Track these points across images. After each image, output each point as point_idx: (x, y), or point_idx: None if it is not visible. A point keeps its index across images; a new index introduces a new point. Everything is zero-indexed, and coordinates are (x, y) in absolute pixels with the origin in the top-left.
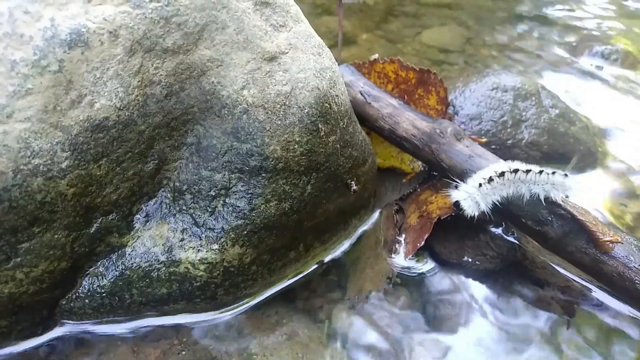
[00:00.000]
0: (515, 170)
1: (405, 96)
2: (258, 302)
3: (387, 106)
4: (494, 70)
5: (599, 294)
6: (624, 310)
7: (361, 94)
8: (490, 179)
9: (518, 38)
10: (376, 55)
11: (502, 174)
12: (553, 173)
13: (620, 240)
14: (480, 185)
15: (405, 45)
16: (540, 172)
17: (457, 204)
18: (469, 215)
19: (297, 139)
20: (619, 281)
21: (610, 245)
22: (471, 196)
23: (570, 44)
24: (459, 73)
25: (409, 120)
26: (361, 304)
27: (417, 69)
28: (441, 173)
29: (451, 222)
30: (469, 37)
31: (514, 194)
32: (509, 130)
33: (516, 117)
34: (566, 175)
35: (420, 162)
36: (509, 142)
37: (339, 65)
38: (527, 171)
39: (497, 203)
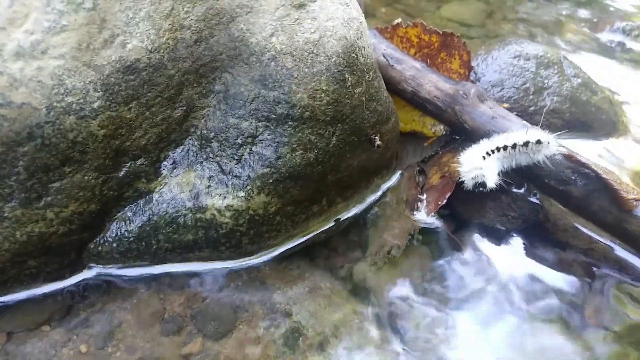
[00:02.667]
0: (505, 147)
1: (428, 60)
2: (281, 253)
3: (409, 69)
4: (516, 39)
5: (622, 254)
6: None
7: (384, 56)
8: (492, 152)
9: (539, 13)
10: (399, 20)
11: (498, 149)
12: (526, 144)
13: None
14: (484, 157)
15: (425, 20)
16: (526, 143)
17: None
18: (469, 186)
19: (324, 88)
20: None
21: (635, 203)
22: (475, 170)
23: (591, 20)
24: (479, 46)
25: (431, 82)
26: (382, 261)
27: (441, 32)
28: (464, 136)
29: None
30: (490, 12)
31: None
32: (531, 97)
33: (538, 85)
34: (539, 141)
35: (442, 126)
36: (531, 109)
37: None
38: (514, 146)
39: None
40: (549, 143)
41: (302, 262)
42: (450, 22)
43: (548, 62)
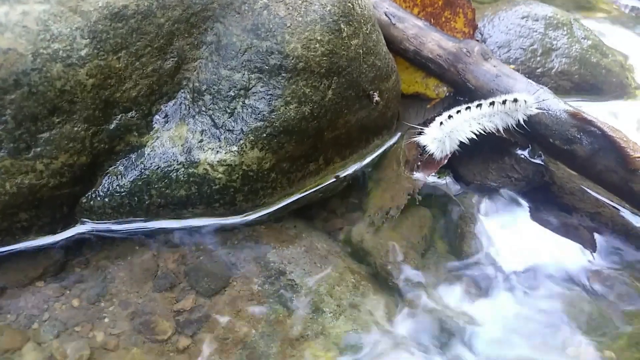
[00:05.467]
0: (468, 108)
1: (432, 19)
2: (277, 211)
3: (412, 27)
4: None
5: (630, 217)
6: None
7: (386, 15)
8: (450, 117)
9: None
10: None
11: (458, 111)
12: (503, 102)
13: None
14: (441, 123)
15: None
16: (492, 103)
17: (423, 147)
18: (438, 157)
19: (319, 38)
20: None
21: None
22: (437, 138)
23: None
24: (487, 8)
25: (434, 41)
26: (381, 221)
27: None
28: (467, 96)
29: (475, 144)
30: None
31: (478, 129)
32: (538, 58)
33: (546, 46)
34: (515, 100)
35: (445, 88)
36: (539, 70)
37: None
38: (479, 105)
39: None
40: (525, 102)
41: (299, 222)
42: None
43: (557, 23)
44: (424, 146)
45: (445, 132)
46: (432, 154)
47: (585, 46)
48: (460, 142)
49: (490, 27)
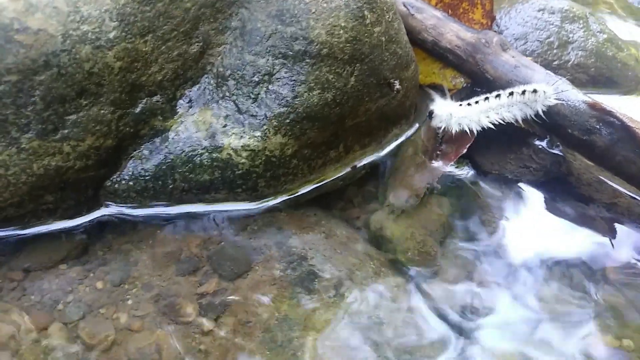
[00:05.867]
0: (487, 98)
1: (450, 10)
2: (297, 197)
3: (430, 18)
4: None
5: None
6: None
7: (404, 5)
8: (469, 104)
9: None
10: None
11: (477, 102)
12: (522, 92)
13: None
14: (460, 105)
15: None
16: (511, 93)
17: (431, 112)
18: (436, 125)
19: (343, 24)
20: None
21: None
22: (447, 114)
23: None
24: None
25: (453, 32)
26: (400, 210)
27: None
28: (485, 87)
29: (493, 134)
30: None
31: (496, 119)
32: (555, 51)
33: (563, 39)
34: (535, 90)
35: (462, 79)
36: (555, 63)
37: None
38: (498, 96)
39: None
40: (544, 92)
41: (319, 210)
42: None
43: (573, 16)
44: (431, 111)
45: (457, 115)
46: (434, 121)
47: (600, 40)
48: (477, 131)
49: (507, 19)
